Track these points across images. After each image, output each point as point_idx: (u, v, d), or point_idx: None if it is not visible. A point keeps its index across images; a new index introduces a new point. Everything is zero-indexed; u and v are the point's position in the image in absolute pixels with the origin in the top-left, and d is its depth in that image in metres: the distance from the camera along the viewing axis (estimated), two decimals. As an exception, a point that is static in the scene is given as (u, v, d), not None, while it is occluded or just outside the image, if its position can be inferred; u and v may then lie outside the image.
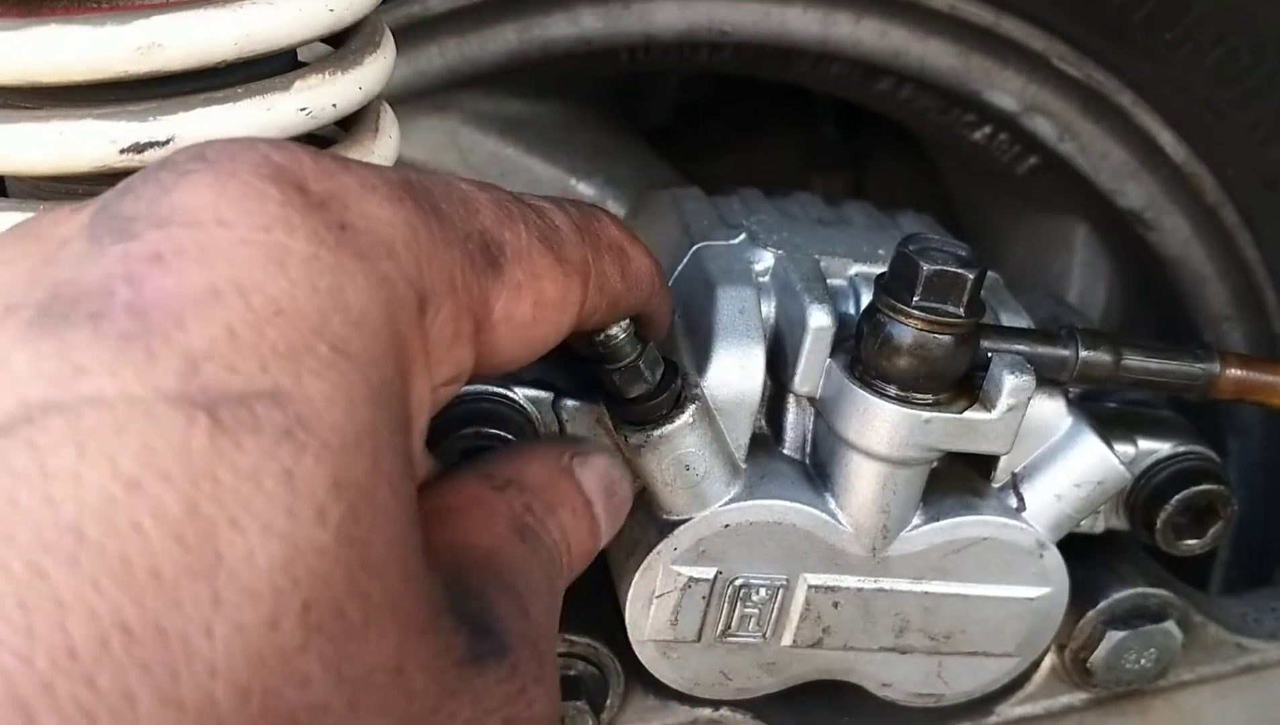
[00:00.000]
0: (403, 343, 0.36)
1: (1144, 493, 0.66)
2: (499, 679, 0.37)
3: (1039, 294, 0.82)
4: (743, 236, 0.65)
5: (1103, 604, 0.69)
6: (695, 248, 0.65)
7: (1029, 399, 0.57)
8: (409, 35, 0.71)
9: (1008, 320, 0.64)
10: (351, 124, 0.51)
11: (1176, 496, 0.65)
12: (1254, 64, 0.79)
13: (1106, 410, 0.68)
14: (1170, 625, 0.70)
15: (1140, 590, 0.70)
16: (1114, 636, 0.69)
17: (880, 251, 0.65)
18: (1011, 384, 0.56)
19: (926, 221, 0.75)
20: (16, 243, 0.35)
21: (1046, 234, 0.95)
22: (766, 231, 0.66)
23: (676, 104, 1.17)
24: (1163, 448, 0.66)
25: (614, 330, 0.51)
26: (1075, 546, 0.67)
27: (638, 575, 0.59)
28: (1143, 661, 0.70)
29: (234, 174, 0.34)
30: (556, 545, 0.44)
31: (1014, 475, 0.62)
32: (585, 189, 0.85)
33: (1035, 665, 0.71)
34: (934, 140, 0.95)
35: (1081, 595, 0.69)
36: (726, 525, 0.59)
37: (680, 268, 0.65)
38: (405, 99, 0.73)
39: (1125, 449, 0.65)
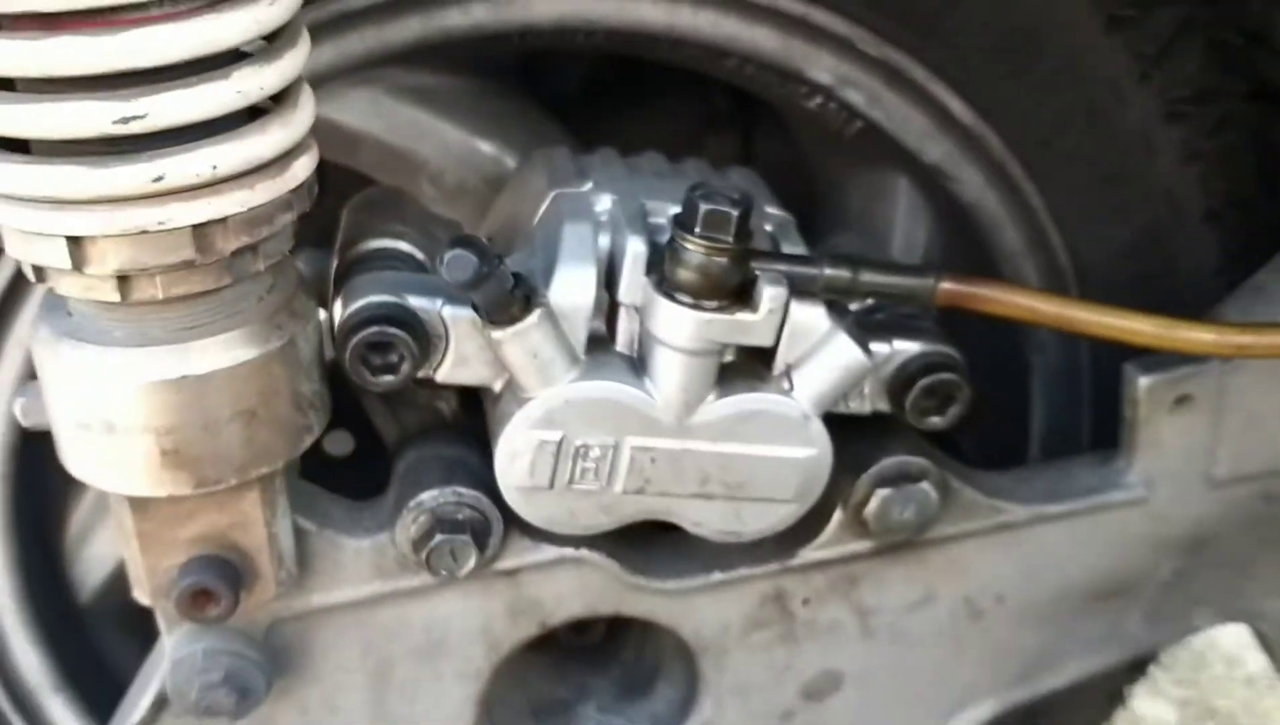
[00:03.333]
0: None
1: (899, 380, 0.86)
2: None
3: (850, 235, 1.03)
4: (590, 185, 0.85)
5: (873, 468, 0.90)
6: (553, 193, 0.85)
7: (785, 304, 0.77)
8: (335, 25, 0.90)
9: (788, 250, 0.84)
10: (279, 100, 0.70)
11: (920, 382, 0.86)
12: (1015, 48, 0.99)
13: (874, 319, 0.88)
14: (926, 485, 0.90)
15: (903, 458, 0.90)
16: (881, 493, 0.90)
17: (697, 197, 0.85)
18: (770, 293, 0.77)
19: (749, 175, 0.95)
20: None
21: (875, 186, 1.14)
22: (610, 182, 0.86)
23: (584, 80, 1.35)
24: (914, 347, 0.87)
25: None
26: (856, 424, 0.88)
27: (503, 437, 0.80)
28: (906, 514, 0.91)
29: None
30: None
31: (787, 366, 0.82)
32: (487, 148, 1.04)
33: (826, 519, 0.92)
34: (782, 108, 1.14)
35: (859, 462, 0.90)
36: (567, 400, 0.79)
37: (543, 209, 0.85)
38: (334, 76, 0.92)
39: (881, 347, 0.85)
